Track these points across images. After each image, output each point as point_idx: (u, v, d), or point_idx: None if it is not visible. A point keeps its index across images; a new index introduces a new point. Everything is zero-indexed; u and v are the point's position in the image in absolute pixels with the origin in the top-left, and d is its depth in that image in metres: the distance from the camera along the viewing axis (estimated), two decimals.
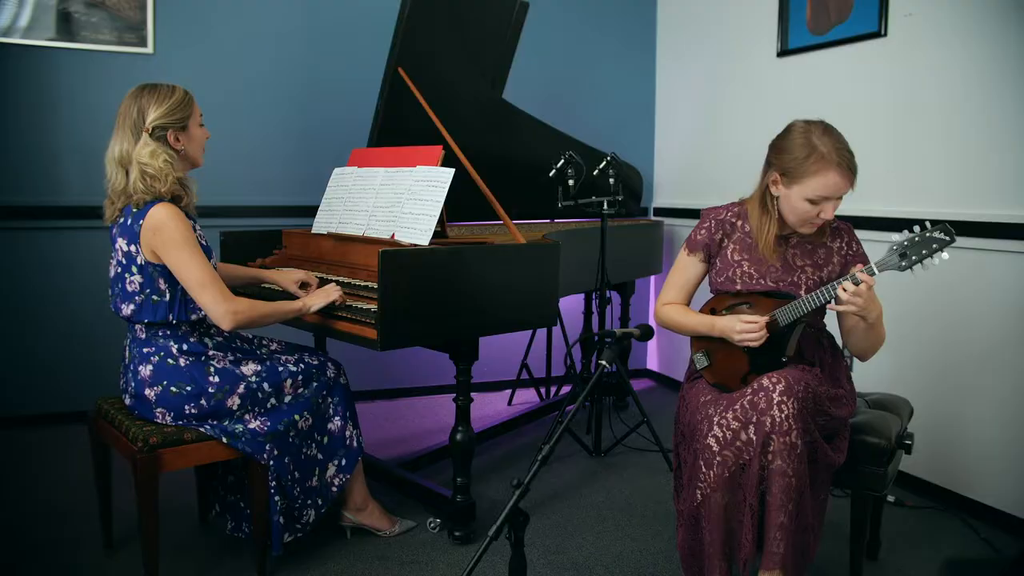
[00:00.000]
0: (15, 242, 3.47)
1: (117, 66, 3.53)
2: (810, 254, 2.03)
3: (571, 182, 3.10)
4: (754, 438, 1.79)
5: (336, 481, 2.35)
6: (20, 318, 3.50)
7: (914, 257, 1.80)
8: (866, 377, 3.07)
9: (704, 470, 1.82)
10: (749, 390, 1.86)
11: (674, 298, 2.16)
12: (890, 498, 2.75)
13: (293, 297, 2.39)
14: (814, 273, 2.02)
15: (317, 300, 2.27)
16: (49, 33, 3.44)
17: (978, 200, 2.70)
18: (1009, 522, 2.61)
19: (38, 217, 3.48)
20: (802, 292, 1.98)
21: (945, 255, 1.80)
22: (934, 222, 1.83)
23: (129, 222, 2.09)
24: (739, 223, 2.10)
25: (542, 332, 4.14)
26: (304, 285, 2.45)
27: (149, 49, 3.58)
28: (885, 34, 3.00)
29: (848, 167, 1.87)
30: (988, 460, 2.69)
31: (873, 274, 1.84)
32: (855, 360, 3.08)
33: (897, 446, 2.16)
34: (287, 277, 2.45)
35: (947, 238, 1.79)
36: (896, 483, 2.89)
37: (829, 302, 1.88)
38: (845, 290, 1.82)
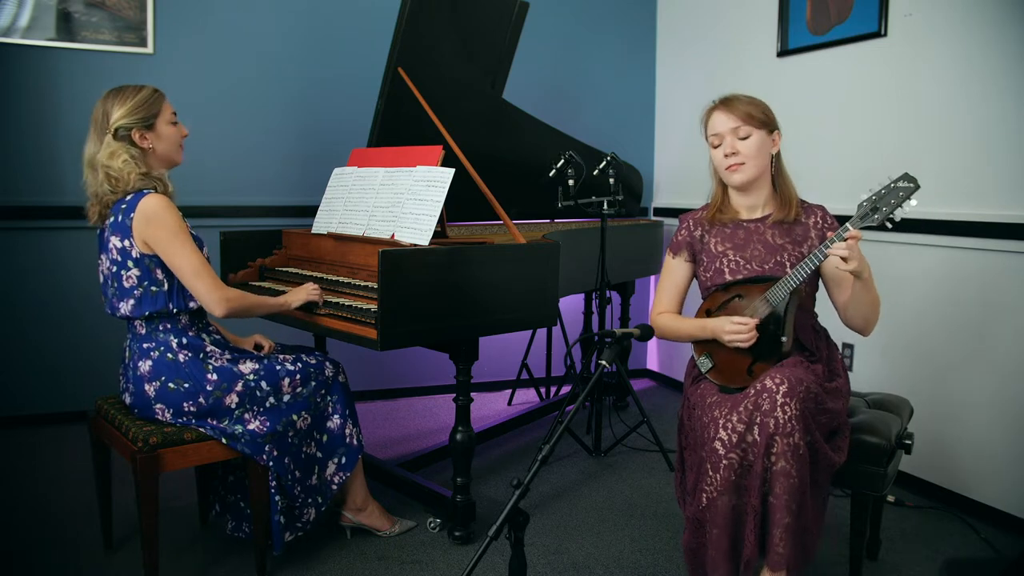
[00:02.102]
0: (15, 242, 3.47)
1: (117, 66, 3.53)
2: (788, 232, 2.10)
3: (571, 182, 3.11)
4: (759, 439, 1.79)
5: (336, 479, 2.36)
6: (20, 318, 3.50)
7: (884, 209, 1.85)
8: (866, 377, 3.08)
9: (711, 473, 1.82)
10: (752, 391, 1.86)
11: (666, 306, 2.23)
12: (890, 498, 2.76)
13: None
14: (795, 249, 2.07)
15: (295, 297, 2.34)
16: (49, 33, 3.45)
17: (977, 200, 2.70)
18: (1009, 522, 2.62)
19: (38, 217, 3.48)
20: (788, 271, 2.02)
21: (913, 202, 1.83)
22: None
23: (120, 218, 2.11)
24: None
25: (542, 332, 4.14)
26: None
27: (149, 49, 3.58)
28: (885, 34, 3.00)
29: (722, 103, 2.07)
30: (988, 460, 2.69)
31: (857, 228, 1.87)
32: (855, 356, 3.09)
33: (897, 446, 2.16)
34: None
35: (911, 185, 1.84)
36: (896, 483, 2.89)
37: (816, 267, 1.92)
38: (840, 244, 1.85)
